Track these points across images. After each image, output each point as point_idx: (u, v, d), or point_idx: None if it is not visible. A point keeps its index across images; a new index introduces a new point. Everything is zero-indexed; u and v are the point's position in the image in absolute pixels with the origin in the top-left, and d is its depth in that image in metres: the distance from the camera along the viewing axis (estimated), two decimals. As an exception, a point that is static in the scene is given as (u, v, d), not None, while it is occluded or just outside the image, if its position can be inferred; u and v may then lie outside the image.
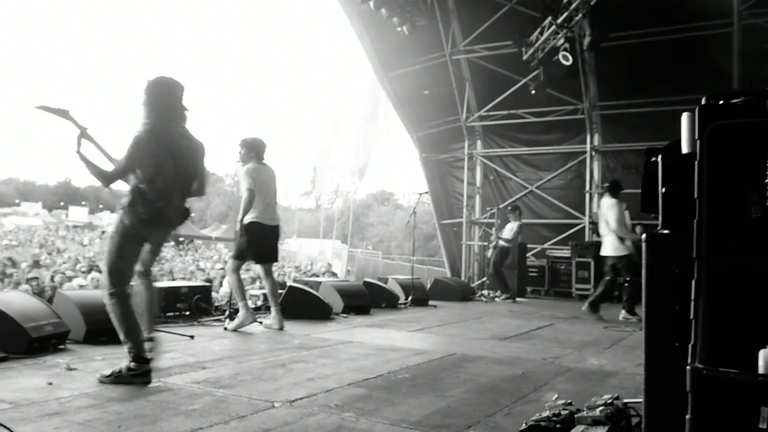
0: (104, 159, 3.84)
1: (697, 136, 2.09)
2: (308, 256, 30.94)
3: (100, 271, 11.55)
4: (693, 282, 1.92)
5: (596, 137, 13.50)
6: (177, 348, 4.90)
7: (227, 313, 6.48)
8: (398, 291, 9.35)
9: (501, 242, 10.94)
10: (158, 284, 6.92)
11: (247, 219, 6.02)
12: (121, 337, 3.74)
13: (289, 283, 8.03)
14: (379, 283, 9.14)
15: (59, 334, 4.56)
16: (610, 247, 8.03)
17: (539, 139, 14.08)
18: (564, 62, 11.22)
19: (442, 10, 13.56)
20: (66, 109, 3.67)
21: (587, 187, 13.42)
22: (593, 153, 13.47)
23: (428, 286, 10.79)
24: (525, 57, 11.82)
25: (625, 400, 2.93)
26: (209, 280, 11.13)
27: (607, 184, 8.59)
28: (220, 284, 11.88)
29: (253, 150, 6.19)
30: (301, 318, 6.86)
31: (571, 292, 11.99)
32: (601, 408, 2.75)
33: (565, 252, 12.63)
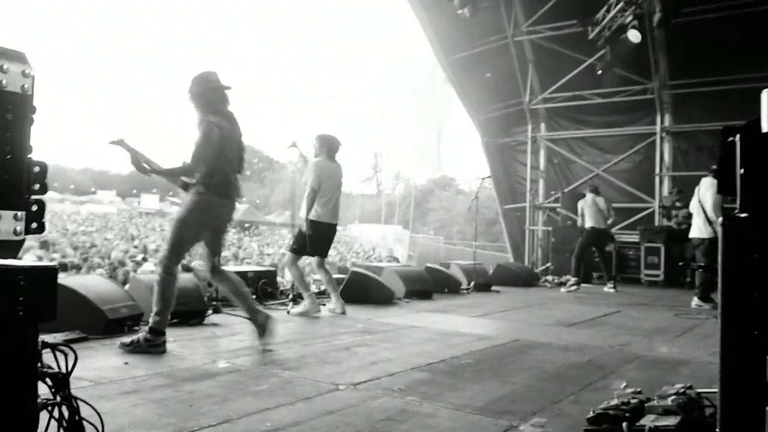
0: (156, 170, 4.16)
1: (778, 113, 1.99)
2: (370, 241, 31.16)
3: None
4: (773, 267, 1.83)
5: (667, 118, 12.97)
6: (244, 330, 5.02)
7: (291, 296, 6.60)
8: (460, 276, 9.30)
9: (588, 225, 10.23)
10: (227, 268, 7.13)
11: (312, 216, 6.12)
12: (155, 308, 4.02)
13: (352, 268, 8.10)
14: (441, 269, 9.11)
15: (134, 316, 4.76)
16: (696, 229, 7.72)
17: (605, 121, 13.64)
18: (633, 40, 10.81)
19: (505, -10, 13.28)
20: (120, 138, 3.99)
21: (657, 170, 12.94)
22: (663, 134, 12.96)
23: (491, 271, 10.67)
24: (591, 36, 11.45)
25: (698, 390, 2.82)
26: (274, 265, 11.37)
27: (714, 167, 8.14)
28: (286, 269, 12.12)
29: (326, 146, 6.32)
30: (363, 303, 6.93)
31: (640, 278, 11.62)
32: (673, 397, 2.66)
33: (633, 237, 12.24)
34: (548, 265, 13.38)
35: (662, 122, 12.93)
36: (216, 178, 4.10)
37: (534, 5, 13.11)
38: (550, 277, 11.61)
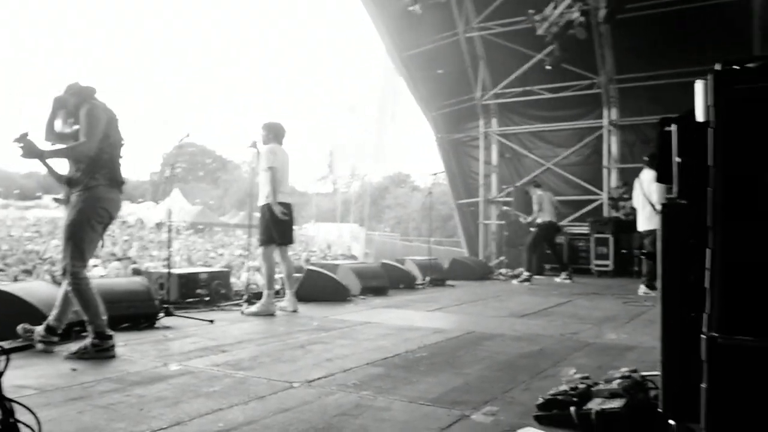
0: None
1: (711, 103, 2.06)
2: (326, 240, 31.07)
3: (119, 260, 11.72)
4: (707, 251, 1.90)
5: (613, 111, 13.31)
6: (197, 332, 4.97)
7: (245, 297, 6.55)
8: (416, 272, 9.36)
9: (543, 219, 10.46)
10: (178, 270, 7.03)
11: (268, 200, 6.12)
12: (86, 318, 3.95)
13: (307, 266, 8.07)
14: (397, 264, 9.16)
15: (81, 322, 4.62)
16: (644, 222, 7.93)
17: (555, 116, 13.92)
18: (579, 36, 11.06)
19: (455, -13, 13.40)
20: (24, 133, 3.87)
21: (605, 163, 13.27)
22: (611, 128, 13.29)
23: (446, 266, 10.77)
24: (539, 32, 11.65)
25: (643, 373, 2.91)
26: (229, 266, 11.23)
27: (646, 158, 8.42)
28: (240, 270, 11.99)
29: (272, 132, 6.40)
30: (319, 300, 6.92)
31: (590, 268, 11.91)
32: (619, 381, 2.74)
33: (583, 228, 12.53)
34: (502, 258, 13.58)
35: (609, 116, 13.27)
36: (103, 165, 3.98)
37: (484, 1, 13.28)
38: (503, 270, 11.80)
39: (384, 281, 8.14)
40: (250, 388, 3.21)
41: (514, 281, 10.19)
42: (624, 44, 12.50)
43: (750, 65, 1.99)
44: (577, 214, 13.30)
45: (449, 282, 9.67)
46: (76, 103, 4.02)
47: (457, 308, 6.85)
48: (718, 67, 2.10)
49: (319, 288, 7.11)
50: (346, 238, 30.85)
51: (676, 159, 2.38)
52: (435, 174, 11.07)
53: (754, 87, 1.93)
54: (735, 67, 2.01)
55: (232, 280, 8.11)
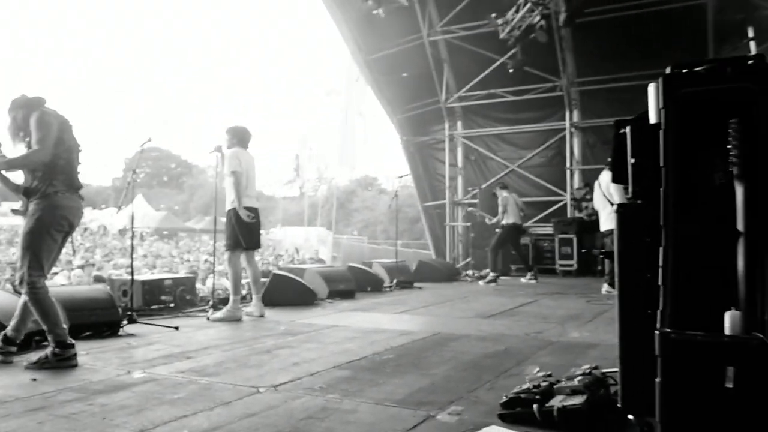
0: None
1: (661, 106, 2.13)
2: (294, 244, 30.89)
3: (82, 268, 11.48)
4: (661, 249, 1.96)
5: (575, 113, 13.54)
6: (161, 339, 4.91)
7: (211, 303, 6.49)
8: (383, 274, 9.39)
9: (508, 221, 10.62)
10: (142, 277, 6.93)
11: (234, 205, 6.08)
12: (46, 327, 3.89)
13: (274, 270, 8.03)
14: (364, 268, 9.17)
15: (42, 331, 4.53)
16: (607, 222, 8.07)
17: (519, 118, 14.09)
18: (540, 40, 11.25)
19: (419, -10, 13.49)
20: None
21: (568, 164, 13.49)
22: (573, 129, 13.52)
23: (413, 268, 10.82)
24: (502, 36, 11.80)
25: (604, 370, 2.97)
26: (194, 272, 11.10)
27: (610, 159, 8.57)
28: (206, 276, 11.86)
29: (237, 136, 6.36)
30: (286, 305, 6.89)
31: (555, 268, 12.10)
32: (580, 378, 2.80)
33: (547, 229, 12.72)
34: (469, 260, 13.70)
35: (571, 118, 13.49)
36: (60, 170, 3.90)
37: (448, 5, 13.39)
38: (470, 272, 11.90)
39: (351, 284, 8.14)
40: (216, 394, 3.19)
41: (481, 282, 10.28)
42: (585, 47, 12.73)
43: (698, 69, 2.07)
44: (541, 215, 13.49)
45: (416, 284, 9.72)
46: (25, 115, 3.92)
47: (424, 310, 6.89)
48: (668, 70, 2.17)
49: (286, 292, 7.09)
50: (314, 242, 30.73)
51: (631, 160, 2.45)
52: (401, 177, 11.09)
53: (701, 90, 2.01)
54: (684, 71, 2.08)
55: (198, 285, 8.03)
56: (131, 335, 5.11)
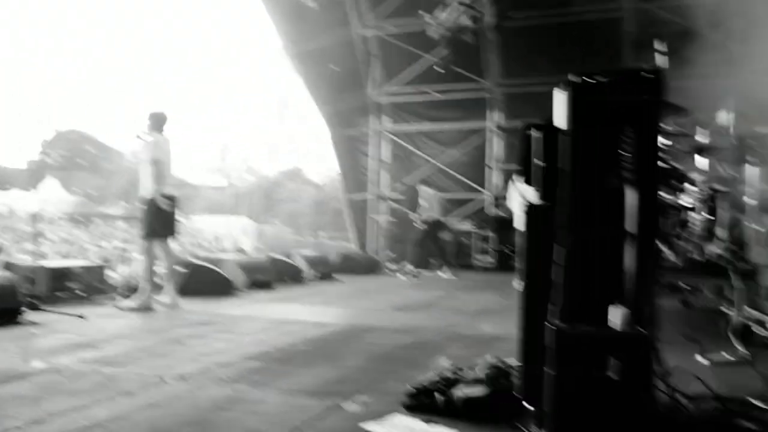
0: None
1: (566, 112, 2.24)
2: (216, 233, 30.23)
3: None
4: (558, 248, 2.06)
5: (499, 114, 13.88)
6: (67, 328, 4.73)
7: (123, 291, 6.29)
8: (303, 265, 9.33)
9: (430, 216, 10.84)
10: (49, 263, 6.62)
11: (151, 192, 5.91)
12: None
13: (191, 260, 7.84)
14: (284, 258, 9.08)
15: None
16: (520, 220, 8.31)
17: (445, 116, 14.31)
18: (468, 41, 11.47)
19: (350, -17, 13.46)
20: None
21: (488, 163, 13.82)
22: (495, 130, 13.86)
23: (335, 260, 10.81)
24: (430, 34, 11.93)
25: (507, 361, 3.09)
26: (107, 260, 10.68)
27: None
28: (121, 263, 11.44)
29: (156, 121, 6.25)
30: (202, 295, 6.74)
31: (473, 264, 12.40)
32: (483, 369, 2.90)
33: (467, 225, 13.01)
34: (390, 253, 13.82)
35: (494, 118, 13.83)
36: None
37: (379, 0, 13.42)
38: (391, 265, 12.01)
39: (270, 275, 8.07)
40: (119, 384, 3.11)
41: (401, 276, 10.42)
42: (510, 51, 13.05)
43: (601, 80, 2.18)
44: (462, 212, 13.77)
45: (337, 276, 9.73)
46: None
47: (342, 302, 6.92)
48: (574, 79, 2.28)
49: (202, 282, 6.94)
50: (237, 232, 30.18)
51: (538, 163, 2.56)
52: (327, 169, 11.08)
53: (601, 99, 2.12)
54: (586, 80, 2.19)
55: (111, 273, 7.73)
56: (34, 323, 4.89)
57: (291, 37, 14.16)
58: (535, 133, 2.53)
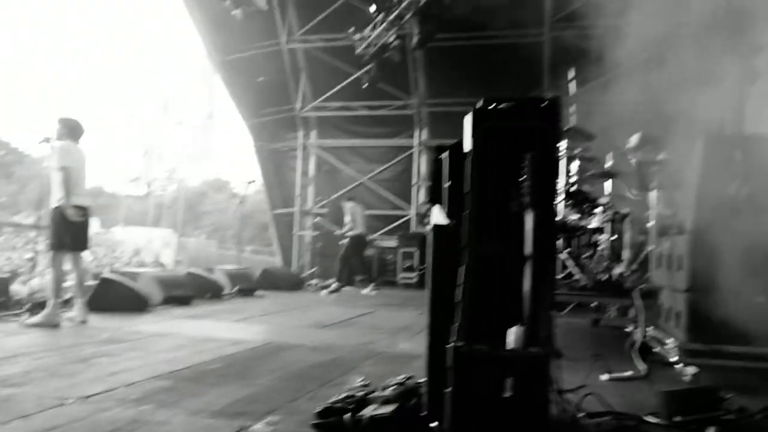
0: None
1: (470, 135, 2.32)
2: (135, 245, 29.20)
3: None
4: (459, 268, 2.12)
5: (424, 132, 14.14)
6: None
7: (27, 306, 5.99)
8: (224, 281, 9.16)
9: (355, 232, 10.92)
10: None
11: (60, 202, 5.67)
12: None
13: (104, 274, 7.56)
14: (203, 274, 8.89)
15: None
16: None
17: (371, 132, 14.47)
18: (394, 59, 11.65)
19: (280, -4, 13.44)
20: None
21: (414, 180, 14.03)
22: (421, 148, 14.10)
23: (257, 275, 10.67)
24: (358, 51, 12.06)
25: (418, 380, 3.13)
26: (13, 271, 10.14)
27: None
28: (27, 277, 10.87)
29: (68, 128, 6.02)
30: (115, 311, 6.52)
31: (396, 281, 12.51)
32: (394, 387, 2.93)
33: (392, 242, 13.13)
34: (314, 269, 13.78)
35: (420, 137, 14.08)
36: None
37: (308, 15, 13.46)
38: (314, 281, 11.96)
39: (189, 290, 7.88)
40: (15, 406, 2.95)
41: (323, 292, 10.39)
42: (436, 70, 13.35)
43: (502, 106, 2.27)
44: (386, 228, 13.90)
45: (259, 292, 9.60)
46: None
47: (261, 319, 6.83)
48: (479, 104, 2.37)
49: (115, 297, 6.71)
50: (157, 244, 29.26)
51: (445, 184, 2.63)
52: (252, 182, 10.94)
53: (503, 125, 2.21)
54: (490, 106, 2.28)
55: (16, 287, 7.34)
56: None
57: (216, 46, 14.00)
58: (443, 155, 2.60)
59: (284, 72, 14.23)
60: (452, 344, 2.00)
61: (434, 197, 2.72)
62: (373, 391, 2.96)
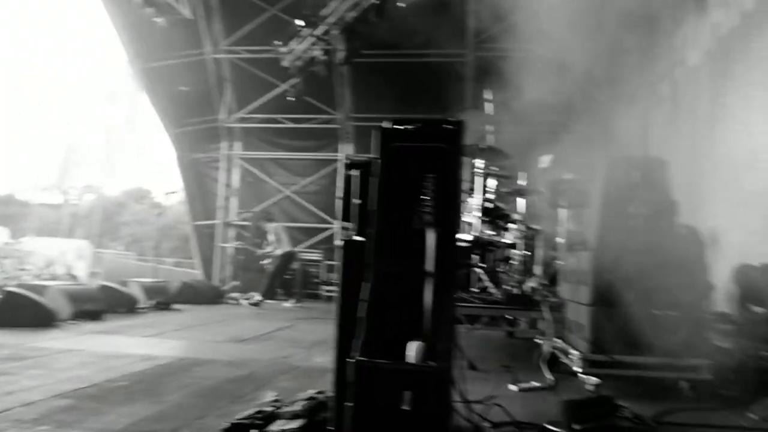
0: None
1: (377, 154, 2.38)
2: (47, 256, 27.81)
3: None
4: (363, 283, 2.17)
5: (349, 147, 14.22)
6: None
7: None
8: (140, 294, 8.87)
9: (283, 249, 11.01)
10: None
11: None
12: None
13: (5, 287, 7.18)
14: (117, 287, 8.58)
15: None
16: None
17: (297, 145, 14.44)
18: (320, 73, 11.71)
19: (205, 6, 13.25)
20: None
21: (338, 194, 14.06)
22: (346, 161, 14.17)
23: (175, 289, 10.39)
24: (284, 64, 12.04)
25: (328, 394, 3.15)
26: None
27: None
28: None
29: None
30: (18, 326, 6.19)
31: (319, 293, 12.50)
32: (303, 402, 2.94)
33: (315, 255, 13.11)
34: (236, 282, 13.55)
35: (345, 150, 14.15)
36: None
37: (234, 25, 13.34)
38: (235, 294, 11.76)
39: (101, 304, 7.58)
40: None
41: (244, 301, 10.33)
42: (362, 85, 13.49)
43: (407, 127, 2.35)
44: (310, 242, 13.86)
45: (176, 306, 9.35)
46: None
47: (177, 333, 6.66)
48: (385, 124, 2.43)
49: (18, 312, 6.37)
50: (71, 256, 27.97)
51: (355, 201, 2.68)
52: (173, 192, 10.71)
53: (408, 146, 2.28)
54: (396, 126, 2.35)
55: None
56: None
57: (138, 52, 13.65)
58: (353, 172, 2.65)
59: (208, 81, 14.02)
60: (354, 359, 2.04)
61: (346, 214, 2.77)
62: (283, 406, 2.95)
